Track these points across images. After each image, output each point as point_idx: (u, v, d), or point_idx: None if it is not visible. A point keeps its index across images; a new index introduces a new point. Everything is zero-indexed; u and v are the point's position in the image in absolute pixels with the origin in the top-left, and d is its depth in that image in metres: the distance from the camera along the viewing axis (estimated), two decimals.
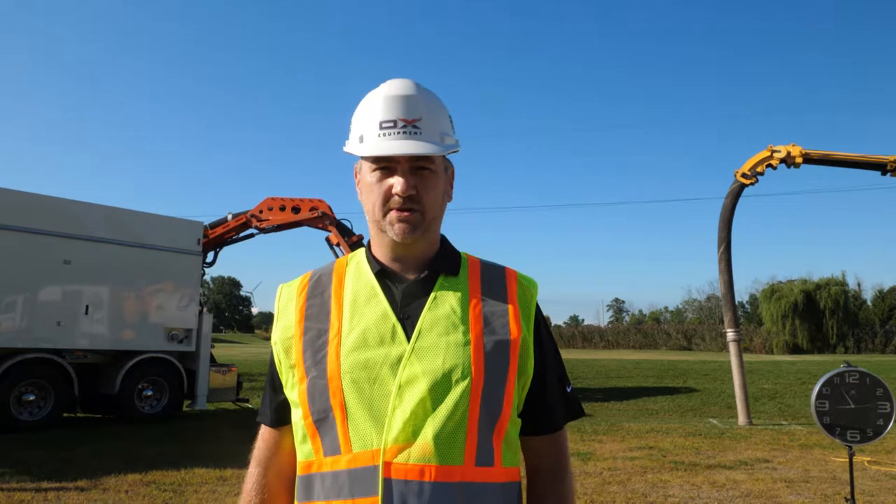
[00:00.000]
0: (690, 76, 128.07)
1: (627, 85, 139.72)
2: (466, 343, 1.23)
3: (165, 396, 11.65)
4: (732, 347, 12.68)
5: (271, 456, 1.37)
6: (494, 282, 1.35)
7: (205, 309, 12.59)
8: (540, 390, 1.33)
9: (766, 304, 52.08)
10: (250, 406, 13.54)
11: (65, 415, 10.77)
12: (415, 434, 1.16)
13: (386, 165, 1.28)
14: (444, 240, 1.39)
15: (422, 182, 1.28)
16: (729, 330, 12.81)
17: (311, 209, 14.27)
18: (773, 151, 12.92)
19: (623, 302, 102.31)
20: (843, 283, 51.67)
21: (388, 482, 1.14)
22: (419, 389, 1.18)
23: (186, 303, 12.08)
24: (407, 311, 1.27)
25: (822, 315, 49.39)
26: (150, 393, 11.44)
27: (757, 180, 12.91)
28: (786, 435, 10.50)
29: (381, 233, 1.31)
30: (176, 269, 11.96)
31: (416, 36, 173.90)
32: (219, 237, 14.41)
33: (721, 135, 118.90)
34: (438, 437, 1.16)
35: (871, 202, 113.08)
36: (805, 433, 10.58)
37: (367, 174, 1.31)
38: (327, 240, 14.51)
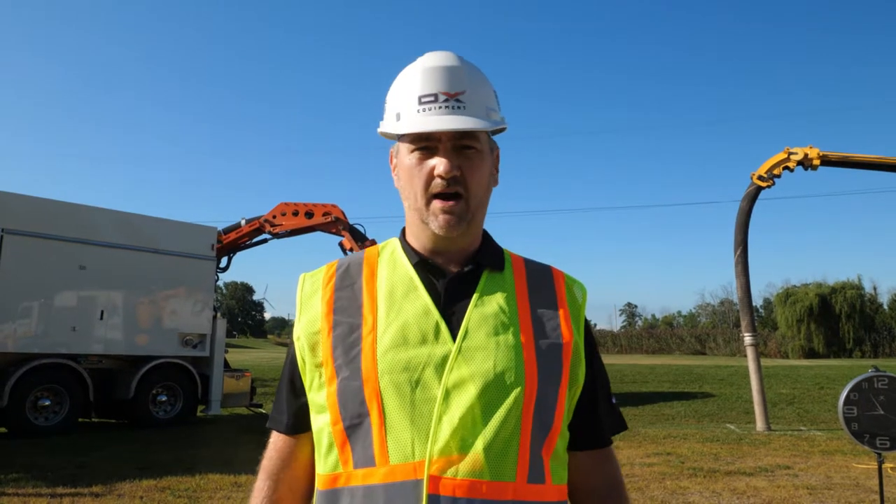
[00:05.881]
0: (705, 79, 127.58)
1: (640, 88, 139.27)
2: (518, 345, 1.12)
3: (180, 402, 11.67)
4: (750, 352, 12.52)
5: (284, 467, 1.23)
6: (542, 282, 1.25)
7: (219, 314, 12.64)
8: (590, 401, 1.22)
9: (781, 308, 51.65)
10: (264, 411, 13.53)
11: (80, 420, 10.80)
12: (463, 445, 1.03)
13: (426, 145, 1.16)
14: (486, 234, 1.28)
15: (467, 162, 1.15)
16: (746, 334, 12.66)
17: (325, 214, 14.31)
18: (791, 153, 12.79)
19: (636, 306, 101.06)
20: (859, 287, 51.14)
21: (433, 499, 1.01)
22: (468, 395, 1.06)
23: (200, 308, 12.12)
24: (451, 308, 1.14)
25: (837, 319, 48.92)
26: (164, 398, 11.47)
27: (773, 183, 12.77)
28: (806, 441, 10.33)
29: (422, 223, 1.19)
30: (190, 274, 12.00)
31: (431, 39, 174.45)
32: (232, 242, 14.45)
33: (737, 137, 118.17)
34: (489, 450, 1.03)
35: (888, 204, 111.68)
36: (825, 439, 10.41)
37: (406, 156, 1.18)
38: (340, 245, 14.54)
